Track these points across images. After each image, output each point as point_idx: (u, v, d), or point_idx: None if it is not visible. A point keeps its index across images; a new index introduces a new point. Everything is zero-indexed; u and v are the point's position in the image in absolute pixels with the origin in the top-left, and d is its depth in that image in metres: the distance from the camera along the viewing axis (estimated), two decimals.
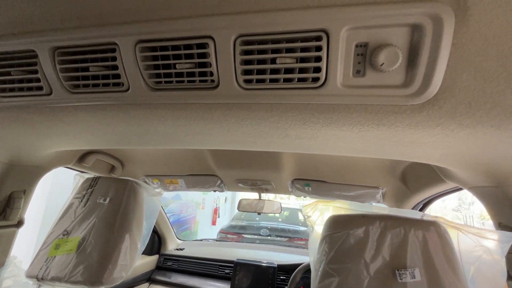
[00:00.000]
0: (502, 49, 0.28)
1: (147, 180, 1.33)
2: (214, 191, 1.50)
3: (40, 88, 0.42)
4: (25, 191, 0.82)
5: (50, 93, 0.42)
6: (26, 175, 0.80)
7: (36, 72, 0.41)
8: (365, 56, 0.32)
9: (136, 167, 1.24)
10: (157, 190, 0.97)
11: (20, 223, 0.81)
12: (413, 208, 1.16)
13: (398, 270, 0.45)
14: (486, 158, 0.48)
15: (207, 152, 1.08)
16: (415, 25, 0.29)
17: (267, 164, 1.14)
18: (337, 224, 0.52)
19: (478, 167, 0.54)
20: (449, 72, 0.30)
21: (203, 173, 1.32)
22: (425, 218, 0.51)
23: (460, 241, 0.48)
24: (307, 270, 1.12)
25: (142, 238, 0.87)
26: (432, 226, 0.48)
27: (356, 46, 0.31)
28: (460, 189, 0.87)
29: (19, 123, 0.52)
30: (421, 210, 1.17)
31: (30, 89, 0.43)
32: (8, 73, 0.42)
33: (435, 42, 0.28)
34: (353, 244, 0.48)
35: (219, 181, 1.36)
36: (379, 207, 0.55)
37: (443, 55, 0.29)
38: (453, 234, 0.49)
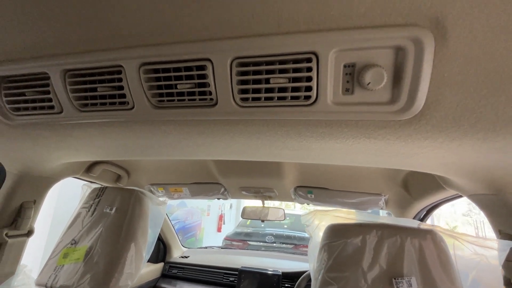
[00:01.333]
0: (481, 68, 0.30)
1: (152, 188, 1.36)
2: (218, 199, 1.52)
3: (52, 107, 0.45)
4: (35, 201, 0.85)
5: (61, 112, 0.45)
6: (36, 186, 0.84)
7: (48, 92, 0.44)
8: (353, 75, 0.34)
9: (141, 176, 1.26)
10: (161, 198, 1.00)
11: (30, 233, 0.84)
12: (416, 215, 1.16)
13: (395, 279, 0.46)
14: (480, 168, 0.49)
15: (210, 161, 1.10)
16: (398, 47, 0.31)
17: (270, 172, 1.15)
18: (335, 233, 0.53)
19: (474, 176, 0.55)
20: (432, 90, 0.32)
21: (207, 181, 1.34)
22: (421, 226, 0.52)
23: (456, 249, 0.49)
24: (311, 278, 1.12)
25: (147, 247, 0.89)
26: (429, 234, 0.49)
27: (344, 66, 0.33)
28: (462, 196, 0.87)
29: (31, 138, 0.55)
30: (424, 216, 1.17)
31: (42, 108, 0.46)
32: (23, 94, 0.45)
33: (417, 63, 0.30)
34: (351, 253, 0.49)
35: (222, 189, 1.37)
36: (376, 216, 0.56)
37: (426, 74, 0.30)
38: (449, 243, 0.50)
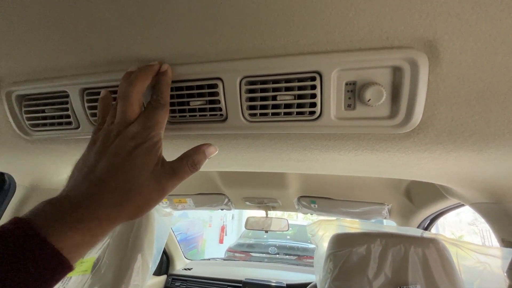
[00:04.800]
0: (472, 86, 0.32)
1: None
2: (222, 209, 1.53)
3: (70, 123, 0.47)
4: None
5: (78, 127, 0.48)
6: (44, 198, 0.85)
7: (67, 110, 0.46)
8: (355, 92, 0.36)
9: None
10: (166, 210, 1.01)
11: None
12: (420, 224, 1.16)
13: (400, 287, 0.46)
14: (479, 177, 0.50)
15: (214, 172, 1.12)
16: (396, 67, 0.33)
17: (273, 182, 1.17)
18: (340, 242, 0.54)
19: (474, 185, 0.56)
20: (428, 106, 0.34)
21: (211, 192, 1.36)
22: (425, 235, 0.53)
23: (459, 258, 0.50)
24: None
25: (153, 258, 0.90)
26: (431, 243, 0.50)
27: (346, 84, 0.36)
28: (464, 205, 0.88)
29: (46, 153, 0.57)
30: (428, 225, 1.17)
31: (60, 124, 0.49)
32: (42, 111, 0.48)
33: (413, 81, 0.33)
34: (356, 262, 0.50)
35: (226, 200, 1.39)
36: (379, 225, 0.57)
37: (421, 92, 0.33)
38: (452, 251, 0.51)
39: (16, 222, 0.24)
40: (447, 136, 0.36)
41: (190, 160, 0.34)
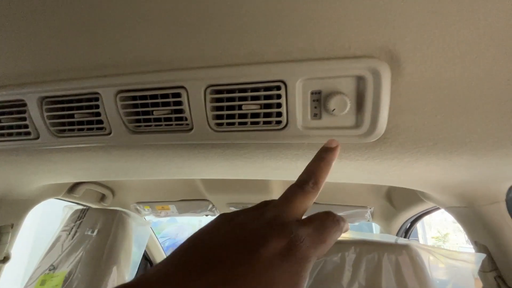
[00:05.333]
0: (434, 96, 0.32)
1: (138, 207, 1.33)
2: (206, 215, 1.50)
3: (28, 133, 0.45)
4: (13, 225, 0.82)
5: (38, 137, 0.45)
6: (14, 209, 0.81)
7: (25, 119, 0.44)
8: (320, 101, 0.36)
9: (126, 194, 1.24)
10: (148, 217, 0.98)
11: (6, 259, 0.80)
12: (402, 226, 1.18)
13: None
14: (450, 183, 0.51)
15: (197, 178, 1.10)
16: (359, 76, 0.33)
17: (257, 187, 1.16)
18: None
19: (446, 190, 0.57)
20: (392, 115, 0.34)
21: (194, 198, 1.33)
22: (399, 241, 0.53)
23: (431, 263, 0.50)
24: None
25: (131, 269, 0.87)
26: (405, 249, 0.50)
27: (312, 93, 0.35)
28: None
29: (7, 164, 0.54)
30: (409, 227, 1.19)
31: (19, 134, 0.46)
32: None
33: (376, 91, 0.32)
34: (330, 271, 0.50)
35: (210, 206, 1.36)
36: (354, 232, 0.57)
37: (385, 102, 0.33)
38: (425, 257, 0.51)
39: None
40: (412, 145, 0.36)
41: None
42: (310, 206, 0.25)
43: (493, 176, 0.47)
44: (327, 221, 0.23)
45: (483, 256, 0.51)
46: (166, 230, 4.60)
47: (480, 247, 0.63)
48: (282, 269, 0.18)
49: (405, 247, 0.51)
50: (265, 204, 0.25)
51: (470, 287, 0.49)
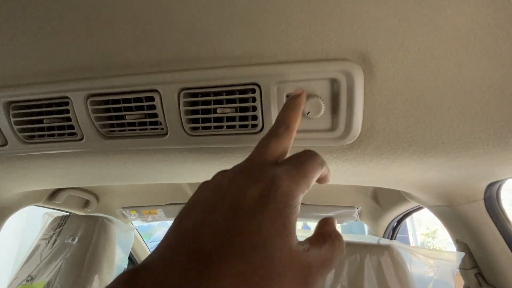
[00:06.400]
0: (406, 99, 0.32)
1: (124, 212, 1.30)
2: None
3: None
4: None
5: (5, 144, 0.43)
6: None
7: None
8: None
9: (111, 200, 1.21)
10: (135, 222, 0.95)
11: None
12: (389, 224, 1.19)
13: None
14: (429, 183, 0.52)
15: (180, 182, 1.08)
16: (333, 79, 0.33)
17: None
18: None
19: (426, 190, 0.58)
20: (366, 118, 0.34)
21: (182, 201, 1.31)
22: (381, 242, 0.53)
23: (412, 263, 0.51)
24: None
25: (115, 275, 0.84)
26: (386, 250, 0.50)
27: (287, 96, 0.35)
28: None
29: None
30: (396, 226, 1.21)
31: None
32: None
33: (350, 94, 0.32)
34: None
35: None
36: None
37: (358, 104, 0.33)
38: (406, 256, 0.52)
39: None
40: (387, 147, 0.36)
41: None
42: (285, 152, 0.25)
43: (471, 175, 0.47)
44: (304, 155, 0.23)
45: (462, 254, 0.52)
46: (157, 234, 4.53)
47: (460, 245, 0.64)
48: (266, 215, 0.18)
49: (387, 247, 0.51)
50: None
51: (451, 284, 0.49)
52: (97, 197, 1.17)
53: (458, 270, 0.58)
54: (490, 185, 0.54)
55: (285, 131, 0.25)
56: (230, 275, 0.15)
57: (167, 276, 0.15)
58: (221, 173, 0.23)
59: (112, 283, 0.16)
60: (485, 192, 0.56)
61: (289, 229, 0.18)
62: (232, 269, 0.15)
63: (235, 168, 0.23)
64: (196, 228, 0.18)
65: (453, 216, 0.62)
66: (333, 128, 0.35)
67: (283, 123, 0.26)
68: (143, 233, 1.64)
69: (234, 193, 0.19)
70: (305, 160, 0.23)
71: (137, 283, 0.15)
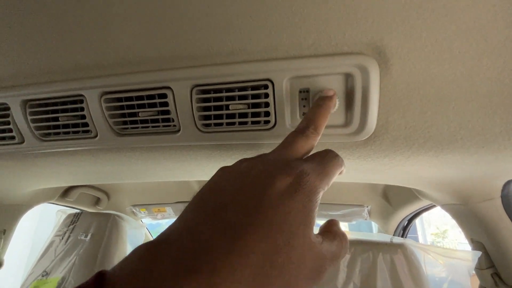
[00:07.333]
0: (423, 93, 0.31)
1: (134, 210, 1.32)
2: None
3: (13, 138, 0.44)
4: (5, 231, 0.81)
5: (22, 142, 0.44)
6: (6, 215, 0.79)
7: (8, 123, 0.43)
8: (309, 100, 0.35)
9: (122, 197, 1.23)
10: (144, 220, 0.97)
11: None
12: (399, 224, 1.17)
13: None
14: (444, 180, 0.50)
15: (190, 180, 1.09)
16: (347, 74, 0.32)
17: None
18: None
19: (441, 188, 0.56)
20: (381, 113, 0.33)
21: (190, 199, 1.32)
22: (394, 240, 0.52)
23: (427, 262, 0.50)
24: None
25: None
26: (400, 248, 0.49)
27: (300, 91, 0.35)
28: None
29: None
30: (407, 225, 1.18)
31: (3, 138, 0.45)
32: None
33: (365, 88, 0.32)
34: None
35: None
36: (349, 232, 0.57)
37: (374, 99, 0.32)
38: (420, 255, 0.50)
39: None
40: (402, 142, 0.36)
41: None
42: (310, 150, 0.26)
43: (488, 173, 0.46)
44: (327, 155, 0.25)
45: (479, 253, 0.51)
46: None
47: (476, 244, 0.62)
48: (293, 204, 0.19)
49: (400, 246, 0.50)
50: (264, 153, 0.26)
51: (467, 284, 0.48)
52: (108, 195, 1.19)
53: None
54: (508, 183, 0.52)
55: (313, 132, 0.26)
56: (255, 252, 0.16)
57: (193, 250, 0.15)
58: (246, 161, 0.24)
59: (128, 257, 0.17)
60: (503, 190, 0.54)
61: (309, 221, 0.19)
62: (257, 248, 0.16)
63: (263, 159, 0.23)
64: (223, 207, 0.18)
65: (468, 215, 0.60)
66: (347, 123, 0.35)
67: (312, 123, 0.27)
68: (151, 232, 1.66)
69: (263, 180, 0.20)
70: (330, 160, 0.24)
71: (157, 258, 0.16)
